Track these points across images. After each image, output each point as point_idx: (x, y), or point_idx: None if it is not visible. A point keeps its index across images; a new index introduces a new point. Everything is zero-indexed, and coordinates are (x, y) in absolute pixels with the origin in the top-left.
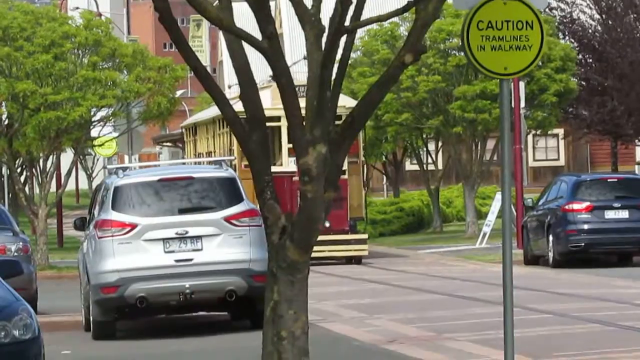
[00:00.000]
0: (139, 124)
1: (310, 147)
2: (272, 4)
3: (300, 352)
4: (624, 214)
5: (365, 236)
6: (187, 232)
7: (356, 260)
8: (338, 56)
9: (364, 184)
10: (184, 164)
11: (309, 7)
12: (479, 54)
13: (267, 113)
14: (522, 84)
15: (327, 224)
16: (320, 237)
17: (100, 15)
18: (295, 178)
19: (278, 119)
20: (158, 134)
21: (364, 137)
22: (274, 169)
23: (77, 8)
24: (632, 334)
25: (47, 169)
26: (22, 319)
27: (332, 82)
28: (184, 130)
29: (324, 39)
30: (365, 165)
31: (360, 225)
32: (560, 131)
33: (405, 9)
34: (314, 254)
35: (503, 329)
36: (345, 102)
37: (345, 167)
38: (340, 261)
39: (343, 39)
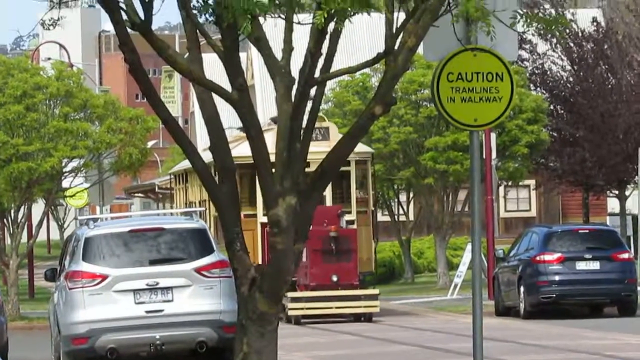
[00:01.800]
0: (110, 175)
1: (279, 199)
2: (243, 55)
3: None
4: (595, 265)
5: (376, 292)
6: (157, 283)
7: (366, 317)
8: (308, 107)
9: (373, 236)
10: (171, 214)
11: (279, 58)
12: (449, 106)
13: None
14: (493, 135)
15: (335, 278)
16: (327, 293)
17: (72, 66)
18: None
19: None
20: (129, 185)
21: (373, 183)
22: None
23: (49, 59)
24: None
25: (19, 220)
26: None
27: (302, 133)
28: (172, 177)
29: (294, 91)
30: (374, 216)
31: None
32: (531, 182)
33: (375, 61)
34: (321, 311)
35: None
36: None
37: (354, 217)
38: (348, 319)
39: (313, 90)
